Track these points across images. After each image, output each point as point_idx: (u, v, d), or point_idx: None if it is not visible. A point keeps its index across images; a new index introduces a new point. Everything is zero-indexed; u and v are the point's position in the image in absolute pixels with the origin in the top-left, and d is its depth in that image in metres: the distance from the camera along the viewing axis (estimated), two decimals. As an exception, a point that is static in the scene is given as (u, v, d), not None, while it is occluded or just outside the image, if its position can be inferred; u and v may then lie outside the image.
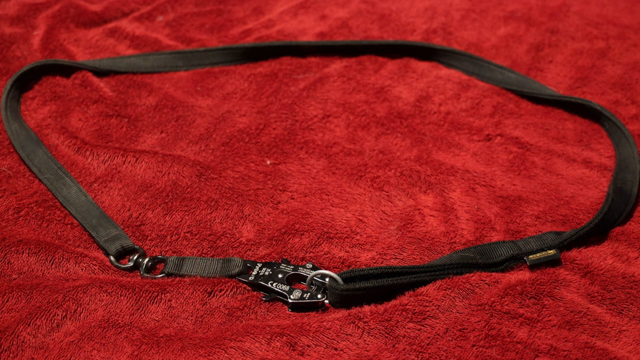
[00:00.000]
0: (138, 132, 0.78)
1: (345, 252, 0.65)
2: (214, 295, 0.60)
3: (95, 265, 0.62)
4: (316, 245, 0.65)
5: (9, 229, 0.65)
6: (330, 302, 0.60)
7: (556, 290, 0.61)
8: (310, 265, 0.62)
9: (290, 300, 0.59)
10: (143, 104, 0.81)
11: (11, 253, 0.62)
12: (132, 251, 0.64)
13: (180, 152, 0.75)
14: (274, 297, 0.60)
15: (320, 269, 0.61)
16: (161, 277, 0.62)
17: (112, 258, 0.63)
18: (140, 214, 0.68)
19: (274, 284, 0.60)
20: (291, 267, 0.62)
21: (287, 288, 0.60)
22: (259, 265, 0.62)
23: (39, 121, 0.78)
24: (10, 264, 0.62)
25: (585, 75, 0.87)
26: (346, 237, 0.66)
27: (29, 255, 0.62)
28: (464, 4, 0.99)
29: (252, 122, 0.79)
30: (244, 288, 0.61)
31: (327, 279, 0.60)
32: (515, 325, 0.59)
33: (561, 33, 0.94)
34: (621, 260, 0.64)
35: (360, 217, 0.68)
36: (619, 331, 0.59)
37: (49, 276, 0.61)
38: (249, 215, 0.68)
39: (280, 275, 0.61)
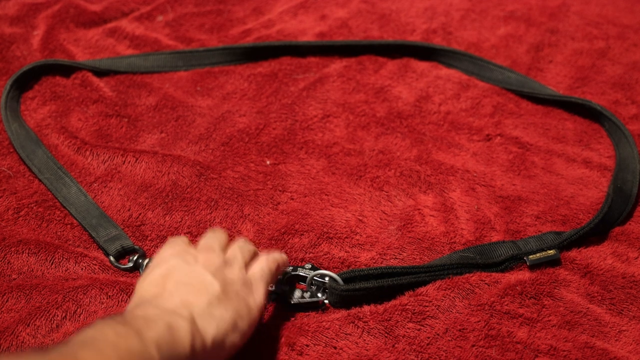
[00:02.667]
0: (138, 132, 0.78)
1: (345, 252, 0.65)
2: (213, 296, 0.60)
3: (95, 265, 0.62)
4: (316, 245, 0.65)
5: (8, 229, 0.65)
6: (330, 302, 0.60)
7: (556, 290, 0.61)
8: (310, 266, 0.62)
9: (291, 301, 0.59)
10: (143, 104, 0.81)
11: (11, 253, 0.62)
12: (132, 251, 0.64)
13: (180, 152, 0.75)
14: (274, 297, 0.60)
15: (320, 269, 0.61)
16: None
17: (111, 258, 0.63)
18: (140, 214, 0.68)
19: (274, 285, 0.60)
20: (290, 267, 0.61)
21: (287, 288, 0.60)
22: None
23: (39, 121, 0.78)
24: (10, 264, 0.62)
25: (585, 75, 0.87)
26: (346, 237, 0.66)
27: (28, 255, 0.62)
28: (464, 4, 0.99)
29: (252, 122, 0.79)
30: (244, 288, 0.61)
31: (326, 279, 0.60)
32: (515, 325, 0.59)
33: (561, 33, 0.94)
34: (621, 260, 0.64)
35: (360, 217, 0.68)
36: (619, 331, 0.59)
37: (48, 276, 0.61)
38: (249, 215, 0.68)
39: (279, 276, 0.61)
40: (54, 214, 0.67)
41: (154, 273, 0.49)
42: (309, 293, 0.60)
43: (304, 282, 0.61)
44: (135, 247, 0.64)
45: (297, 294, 0.60)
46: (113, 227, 0.65)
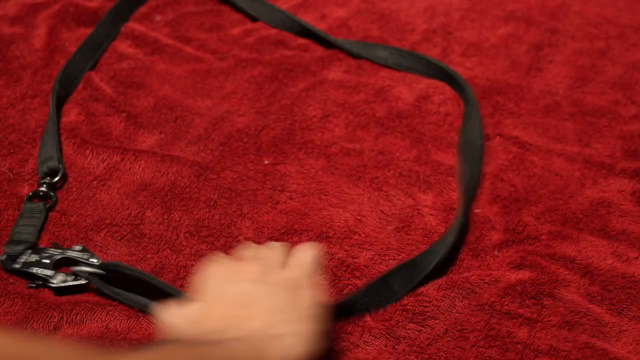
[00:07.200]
0: (137, 132, 0.77)
1: (344, 251, 0.65)
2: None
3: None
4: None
5: (8, 229, 0.65)
6: (93, 283, 0.60)
7: (556, 290, 0.61)
8: (80, 248, 0.62)
9: (53, 285, 0.59)
10: (142, 104, 0.81)
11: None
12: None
13: (179, 152, 0.75)
14: (38, 283, 0.60)
15: (88, 254, 0.61)
16: None
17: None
18: (139, 212, 0.68)
19: (39, 270, 0.60)
20: (60, 250, 0.61)
21: (50, 273, 0.59)
22: (28, 252, 0.61)
23: (39, 121, 0.78)
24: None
25: (585, 75, 0.87)
26: (345, 237, 0.66)
27: (27, 255, 0.62)
28: (464, 4, 0.99)
29: (251, 122, 0.79)
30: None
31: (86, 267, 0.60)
32: (515, 325, 0.59)
33: (561, 33, 0.94)
34: (621, 260, 0.64)
35: (359, 217, 0.68)
36: (619, 331, 0.59)
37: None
38: (248, 214, 0.68)
39: (47, 261, 0.60)
40: (52, 214, 0.67)
41: (210, 307, 0.48)
42: (72, 276, 0.59)
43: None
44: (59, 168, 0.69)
45: (60, 278, 0.59)
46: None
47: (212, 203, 0.69)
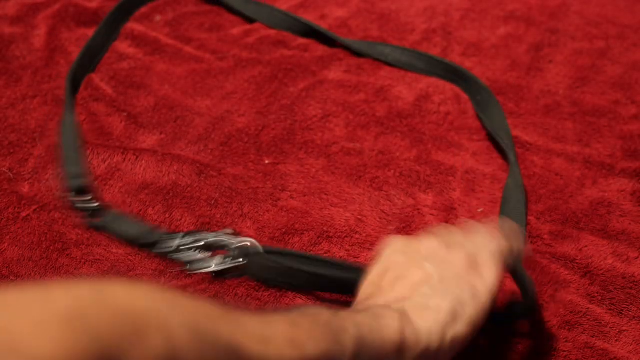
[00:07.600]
0: (138, 132, 0.78)
1: (345, 251, 0.65)
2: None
3: (96, 269, 0.62)
4: (316, 244, 0.65)
5: (8, 229, 0.65)
6: (250, 274, 0.58)
7: (556, 290, 0.61)
8: (231, 231, 0.60)
9: (211, 269, 0.58)
10: (142, 104, 0.81)
11: (9, 253, 0.62)
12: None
13: (180, 152, 0.75)
14: (195, 266, 0.59)
15: (242, 237, 0.60)
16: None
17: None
18: (140, 210, 0.68)
19: (195, 251, 0.59)
20: (212, 234, 0.60)
21: (207, 255, 0.59)
22: (180, 235, 0.60)
23: (39, 121, 0.78)
24: (9, 266, 0.62)
25: (585, 75, 0.87)
26: (345, 237, 0.66)
27: (27, 257, 0.62)
28: (464, 4, 0.99)
29: (251, 122, 0.79)
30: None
31: (248, 244, 0.59)
32: (515, 325, 0.59)
33: (561, 33, 0.94)
34: (621, 260, 0.64)
35: (360, 217, 0.68)
36: (619, 331, 0.59)
37: (47, 280, 0.61)
38: (249, 213, 0.68)
39: (200, 244, 0.59)
40: (55, 214, 0.67)
41: (372, 274, 0.47)
42: (230, 258, 0.58)
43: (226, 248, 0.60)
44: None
45: (218, 260, 0.58)
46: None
47: (213, 202, 0.69)
